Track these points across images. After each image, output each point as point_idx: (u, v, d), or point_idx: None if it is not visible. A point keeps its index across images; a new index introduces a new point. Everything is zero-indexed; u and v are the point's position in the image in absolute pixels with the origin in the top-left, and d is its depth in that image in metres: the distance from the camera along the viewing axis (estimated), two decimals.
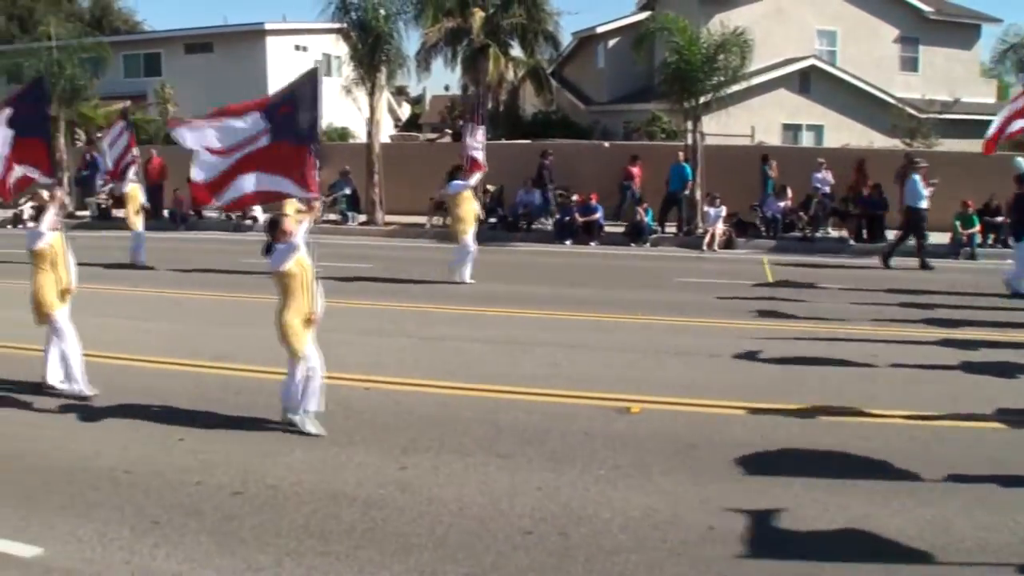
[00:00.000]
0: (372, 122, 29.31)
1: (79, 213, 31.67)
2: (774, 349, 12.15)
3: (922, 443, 8.44)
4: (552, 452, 8.18)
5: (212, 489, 7.29)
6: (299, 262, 8.91)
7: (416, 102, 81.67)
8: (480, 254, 18.11)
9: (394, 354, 11.90)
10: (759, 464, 7.86)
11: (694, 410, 9.39)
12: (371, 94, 29.17)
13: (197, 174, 9.24)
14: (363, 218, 29.25)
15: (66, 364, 9.83)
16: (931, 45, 41.56)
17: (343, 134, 41.61)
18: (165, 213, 29.83)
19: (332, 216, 29.48)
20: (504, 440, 8.46)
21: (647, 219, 25.74)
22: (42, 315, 9.82)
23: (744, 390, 10.15)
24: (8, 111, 10.40)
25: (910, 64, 41.69)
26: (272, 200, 9.62)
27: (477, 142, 19.49)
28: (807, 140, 38.01)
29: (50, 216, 9.92)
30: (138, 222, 20.24)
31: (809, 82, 38.34)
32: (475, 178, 18.15)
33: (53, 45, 31.49)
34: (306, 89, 8.99)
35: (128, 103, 34.25)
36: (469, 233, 17.54)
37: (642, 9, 42.72)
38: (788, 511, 6.85)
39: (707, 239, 24.42)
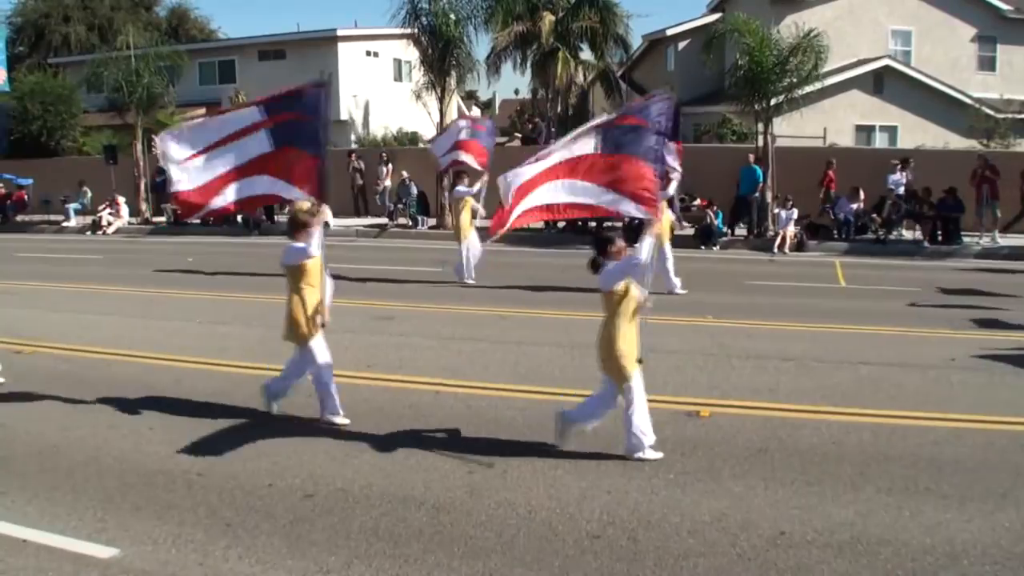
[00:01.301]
0: (442, 126, 29.48)
1: (155, 219, 32.28)
2: (848, 353, 12.00)
3: (999, 450, 8.27)
4: (622, 456, 8.15)
5: (283, 492, 7.38)
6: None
7: (486, 106, 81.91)
8: (549, 258, 18.07)
9: (466, 358, 11.96)
10: (830, 469, 7.76)
11: (765, 414, 9.30)
12: (441, 99, 29.36)
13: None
14: (432, 222, 29.42)
15: (320, 386, 9.34)
16: (1009, 44, 40.67)
17: (413, 138, 41.88)
18: (238, 219, 30.28)
19: (402, 220, 29.71)
20: (573, 444, 8.45)
21: (717, 222, 25.57)
22: (299, 336, 9.23)
23: (816, 395, 10.05)
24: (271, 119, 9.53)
25: (987, 63, 40.87)
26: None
27: (674, 158, 18.70)
28: (881, 141, 37.47)
29: (319, 234, 9.22)
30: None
31: (883, 83, 37.78)
32: (673, 186, 17.60)
33: (132, 54, 32.09)
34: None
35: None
36: (665, 244, 16.93)
37: (712, 11, 42.48)
38: (860, 516, 6.77)
39: (778, 241, 24.20)
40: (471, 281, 18.25)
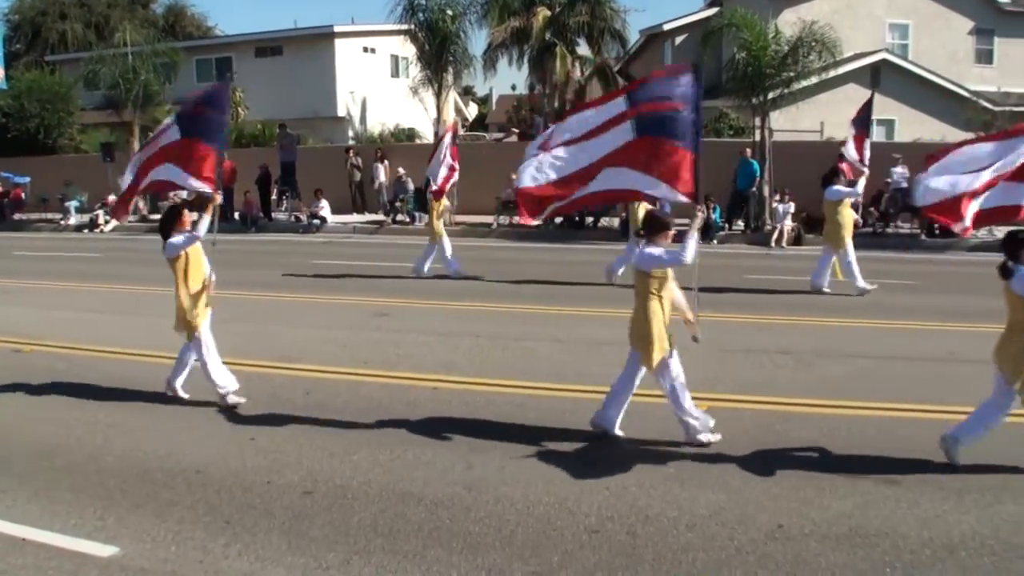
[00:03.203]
0: (439, 122, 29.51)
1: (152, 216, 32.27)
2: (844, 346, 12.01)
3: (997, 442, 8.28)
4: (620, 451, 8.17)
5: (282, 488, 7.39)
6: None
7: (483, 102, 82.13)
8: (546, 253, 18.02)
9: (464, 354, 11.96)
10: (828, 462, 7.78)
11: (762, 408, 9.32)
12: (438, 94, 29.39)
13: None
14: None
15: (679, 404, 8.37)
16: (1007, 36, 40.83)
17: (410, 134, 41.90)
18: (235, 216, 30.29)
19: (400, 216, 29.71)
20: (572, 439, 8.47)
21: (715, 216, 25.58)
22: (652, 353, 8.30)
23: (813, 388, 10.06)
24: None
25: (985, 56, 41.01)
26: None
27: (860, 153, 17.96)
28: (878, 135, 37.44)
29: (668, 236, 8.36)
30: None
31: (880, 76, 37.78)
32: (860, 184, 17.09)
33: (128, 51, 32.09)
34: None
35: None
36: (847, 240, 16.47)
37: (710, 5, 42.47)
38: (858, 509, 6.79)
39: (775, 236, 24.21)
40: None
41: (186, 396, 10.01)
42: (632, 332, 8.44)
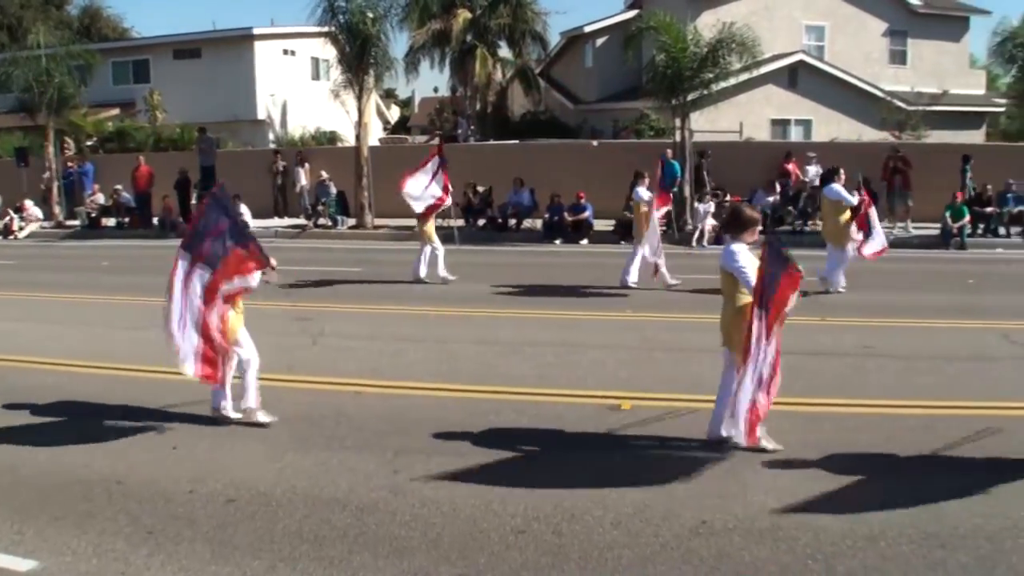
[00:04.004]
0: (360, 125, 29.33)
1: (68, 222, 31.68)
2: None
3: (915, 433, 8.45)
4: (544, 452, 8.20)
5: (205, 497, 7.29)
6: None
7: (405, 105, 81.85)
8: (469, 255, 17.93)
9: (387, 358, 11.90)
10: (750, 458, 7.86)
11: (686, 405, 9.39)
12: (359, 97, 29.19)
13: None
14: (352, 222, 29.27)
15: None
16: (919, 38, 41.82)
17: (332, 137, 41.64)
18: (154, 221, 29.89)
19: (322, 220, 29.51)
20: (496, 441, 8.46)
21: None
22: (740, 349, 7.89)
23: None
24: None
25: (899, 57, 41.94)
26: None
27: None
28: (796, 135, 38.13)
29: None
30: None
31: (797, 77, 38.46)
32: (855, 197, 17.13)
33: (42, 53, 31.47)
34: None
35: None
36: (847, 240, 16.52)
37: (630, 7, 42.84)
38: (779, 502, 6.87)
39: (696, 235, 24.48)
40: (675, 282, 17.47)
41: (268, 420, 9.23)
42: (725, 333, 8.56)
